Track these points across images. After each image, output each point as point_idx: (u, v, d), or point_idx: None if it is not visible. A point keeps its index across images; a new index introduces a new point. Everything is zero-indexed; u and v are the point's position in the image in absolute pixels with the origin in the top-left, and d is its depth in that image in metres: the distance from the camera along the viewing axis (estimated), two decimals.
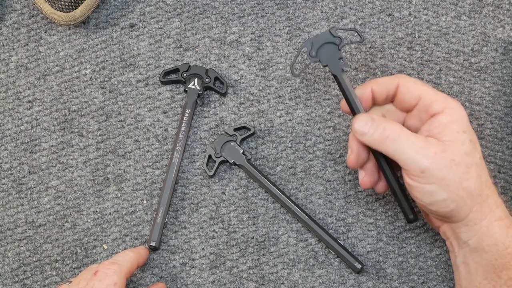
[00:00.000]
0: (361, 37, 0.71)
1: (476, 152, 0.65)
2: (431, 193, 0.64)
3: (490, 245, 0.64)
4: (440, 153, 0.63)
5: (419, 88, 0.67)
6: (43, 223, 0.77)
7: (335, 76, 0.69)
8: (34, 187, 0.78)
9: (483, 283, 0.65)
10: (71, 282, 0.70)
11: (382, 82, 0.69)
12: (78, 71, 0.81)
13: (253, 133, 0.78)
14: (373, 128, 0.66)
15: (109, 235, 0.77)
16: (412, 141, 0.64)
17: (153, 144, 0.79)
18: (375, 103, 0.70)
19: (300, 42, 0.81)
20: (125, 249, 0.76)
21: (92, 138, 0.79)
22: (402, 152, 0.64)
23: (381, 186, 0.72)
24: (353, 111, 0.69)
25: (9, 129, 0.79)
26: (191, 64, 0.80)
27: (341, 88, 0.69)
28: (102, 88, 0.80)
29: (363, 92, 0.69)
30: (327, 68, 0.70)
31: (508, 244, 0.64)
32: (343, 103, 0.71)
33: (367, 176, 0.70)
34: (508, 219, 0.66)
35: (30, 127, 0.79)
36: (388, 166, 0.69)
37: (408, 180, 0.65)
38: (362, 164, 0.70)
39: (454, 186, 0.63)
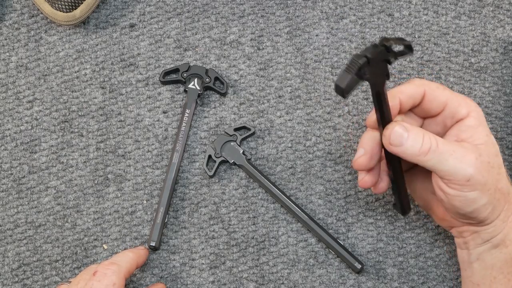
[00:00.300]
0: (411, 48, 0.62)
1: (499, 151, 0.65)
2: (474, 200, 0.63)
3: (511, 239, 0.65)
4: (479, 157, 0.62)
5: (444, 94, 0.65)
6: (43, 223, 0.77)
7: (377, 92, 0.62)
8: (34, 187, 0.78)
9: (498, 277, 0.65)
10: (70, 282, 0.70)
11: (408, 91, 0.66)
12: (78, 71, 0.81)
13: (253, 133, 0.78)
14: (412, 140, 0.63)
15: (109, 235, 0.77)
16: (453, 150, 0.62)
17: (153, 144, 0.79)
18: (400, 111, 0.67)
19: (300, 42, 0.81)
20: (125, 249, 0.76)
21: (92, 138, 0.79)
22: (444, 164, 0.62)
23: (381, 187, 0.70)
24: (384, 123, 0.65)
25: (9, 129, 0.79)
26: (191, 64, 0.80)
27: (379, 101, 0.63)
28: (102, 88, 0.80)
29: (392, 104, 0.65)
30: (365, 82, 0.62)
31: None
32: (371, 117, 0.66)
33: (369, 176, 0.68)
34: None
35: (30, 127, 0.79)
36: (400, 167, 0.68)
37: (448, 190, 0.63)
38: (372, 167, 0.68)
39: (493, 189, 0.63)
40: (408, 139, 0.63)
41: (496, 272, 0.65)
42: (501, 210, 0.64)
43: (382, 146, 0.66)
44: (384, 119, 0.64)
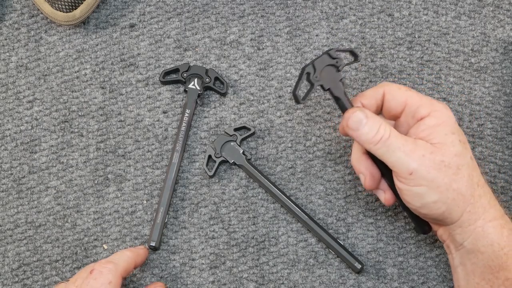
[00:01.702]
0: (357, 57, 0.70)
1: (466, 152, 0.65)
2: (421, 195, 0.64)
3: (485, 245, 0.64)
4: (429, 154, 0.63)
5: (404, 94, 0.67)
6: (43, 223, 0.77)
7: (336, 98, 0.68)
8: (34, 187, 0.78)
9: (481, 283, 0.65)
10: (68, 281, 0.70)
11: (369, 94, 0.69)
12: (78, 71, 0.81)
13: (253, 133, 0.78)
14: (368, 127, 0.65)
15: (109, 235, 0.77)
16: (402, 144, 0.64)
17: (153, 144, 0.79)
18: None
19: (300, 42, 0.81)
20: (125, 248, 0.76)
21: (92, 138, 0.79)
22: (391, 154, 0.64)
23: (388, 199, 0.71)
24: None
25: (9, 129, 0.79)
26: (191, 64, 0.80)
27: (341, 106, 0.69)
28: (102, 88, 0.80)
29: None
30: (327, 92, 0.69)
31: (504, 245, 0.64)
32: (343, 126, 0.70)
33: (368, 178, 0.70)
34: (503, 218, 0.66)
35: (30, 127, 0.79)
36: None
37: (398, 184, 0.65)
38: (379, 183, 0.70)
39: (444, 188, 0.63)
40: (365, 125, 0.65)
41: (478, 278, 0.65)
42: (462, 212, 0.64)
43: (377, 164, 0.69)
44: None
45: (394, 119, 0.70)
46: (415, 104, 0.66)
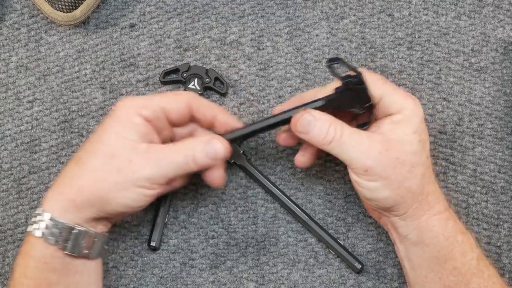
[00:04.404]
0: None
1: (423, 152, 0.65)
2: (373, 190, 0.64)
3: (430, 238, 0.65)
4: (385, 151, 0.64)
5: (381, 88, 0.66)
6: None
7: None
8: (34, 187, 0.78)
9: (429, 276, 0.66)
10: None
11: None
12: (78, 71, 0.81)
13: None
14: (318, 129, 0.65)
15: (109, 235, 0.77)
16: (356, 142, 0.64)
17: None
18: None
19: (300, 42, 0.81)
20: (125, 249, 0.76)
21: None
22: (346, 153, 0.64)
23: (302, 161, 0.72)
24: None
25: (9, 129, 0.79)
26: (191, 64, 0.80)
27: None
28: (102, 88, 0.80)
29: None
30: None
31: (448, 235, 0.65)
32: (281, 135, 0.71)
33: (301, 154, 0.71)
34: (448, 211, 0.66)
35: (30, 127, 0.79)
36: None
37: (352, 175, 0.66)
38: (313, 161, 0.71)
39: (396, 185, 0.64)
40: (315, 127, 0.65)
41: (425, 271, 0.66)
42: (408, 208, 0.65)
43: None
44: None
45: None
46: (388, 101, 0.66)
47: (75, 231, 0.63)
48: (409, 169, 0.64)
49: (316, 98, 0.67)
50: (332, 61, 0.67)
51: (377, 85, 0.66)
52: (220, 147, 0.66)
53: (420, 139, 0.65)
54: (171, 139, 0.70)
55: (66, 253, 0.63)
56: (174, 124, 0.69)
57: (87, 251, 0.64)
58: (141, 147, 0.64)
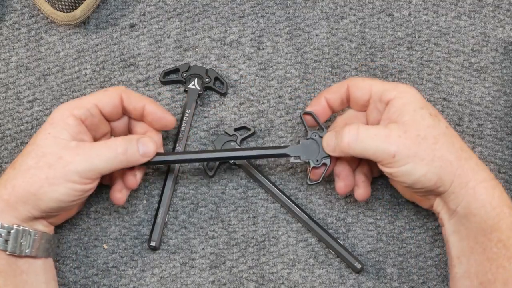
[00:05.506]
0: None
1: (440, 123, 0.67)
2: (410, 173, 0.65)
3: (478, 208, 0.65)
4: (403, 133, 0.65)
5: (368, 83, 0.69)
6: None
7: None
8: None
9: (475, 247, 0.66)
10: None
11: (333, 88, 0.71)
12: (78, 71, 0.81)
13: (253, 133, 0.78)
14: (336, 141, 0.68)
15: (109, 235, 0.77)
16: (374, 133, 0.66)
17: None
18: (333, 110, 0.72)
19: (300, 42, 0.81)
20: (125, 249, 0.76)
21: None
22: (368, 148, 0.66)
23: (361, 193, 0.72)
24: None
25: (9, 129, 0.79)
26: (191, 64, 0.80)
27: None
28: (102, 88, 0.80)
29: (318, 103, 0.71)
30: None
31: (496, 205, 0.65)
32: None
33: (341, 181, 0.72)
34: (494, 180, 0.67)
35: (30, 127, 0.79)
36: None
37: (385, 170, 0.66)
38: (351, 188, 0.72)
39: (429, 158, 0.65)
40: (334, 140, 0.69)
41: (472, 241, 0.66)
42: (453, 177, 0.65)
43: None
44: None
45: (364, 109, 0.71)
46: (379, 90, 0.68)
47: (13, 230, 0.65)
48: (433, 141, 0.65)
49: (280, 145, 0.73)
50: (306, 113, 0.71)
51: (364, 82, 0.69)
52: (151, 145, 0.69)
53: (430, 113, 0.67)
54: (111, 134, 0.73)
55: (8, 254, 0.65)
56: (109, 119, 0.71)
57: (28, 250, 0.66)
58: (71, 144, 0.66)
